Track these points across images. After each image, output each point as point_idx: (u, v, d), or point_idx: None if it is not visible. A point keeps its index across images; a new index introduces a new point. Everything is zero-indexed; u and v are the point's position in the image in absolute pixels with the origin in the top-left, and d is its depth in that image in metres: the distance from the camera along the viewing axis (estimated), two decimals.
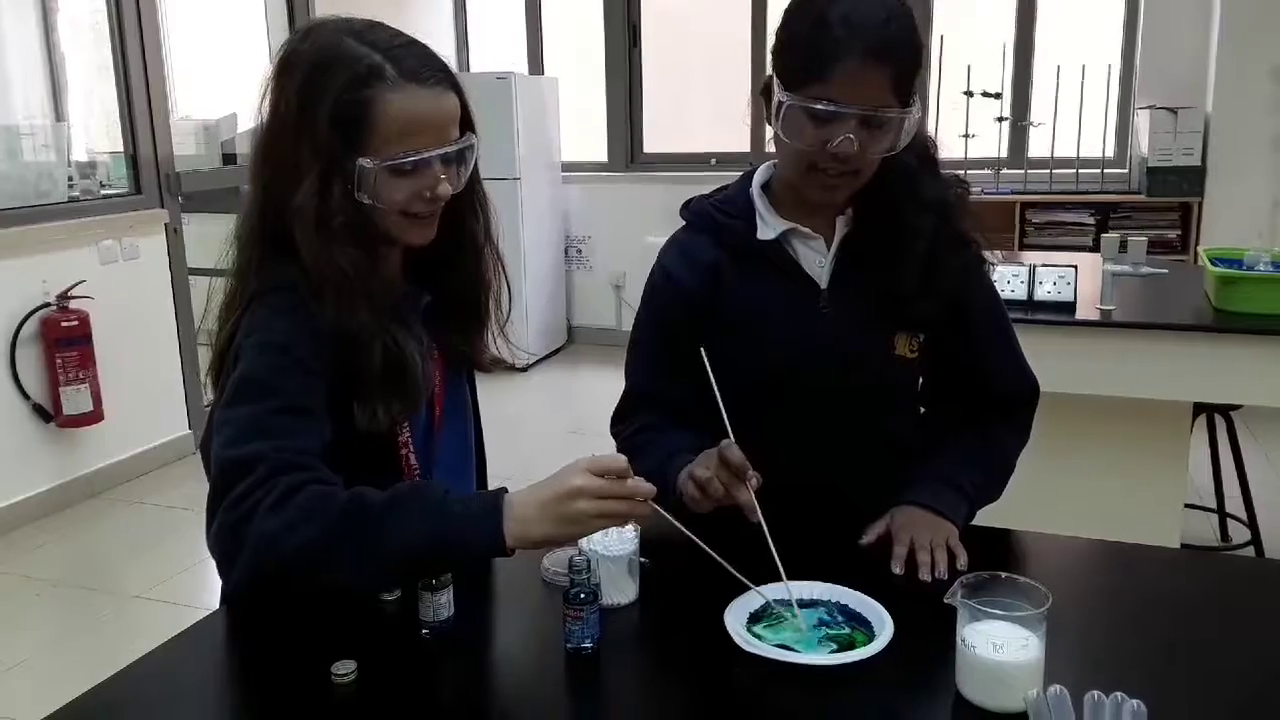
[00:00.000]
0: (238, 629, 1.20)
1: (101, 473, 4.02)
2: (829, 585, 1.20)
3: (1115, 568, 1.40)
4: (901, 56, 1.31)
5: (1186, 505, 2.97)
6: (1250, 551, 3.06)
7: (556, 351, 6.12)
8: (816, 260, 1.46)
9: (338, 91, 1.18)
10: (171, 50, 4.45)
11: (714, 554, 1.17)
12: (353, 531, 1.07)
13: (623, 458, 1.12)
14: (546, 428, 4.78)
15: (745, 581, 1.17)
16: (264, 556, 1.07)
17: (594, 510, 1.07)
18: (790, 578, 1.20)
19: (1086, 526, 1.59)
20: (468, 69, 6.30)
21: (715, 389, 1.26)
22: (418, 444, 1.32)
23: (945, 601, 1.03)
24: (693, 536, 1.18)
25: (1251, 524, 3.09)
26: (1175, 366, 2.52)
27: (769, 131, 1.39)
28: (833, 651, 1.09)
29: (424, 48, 1.25)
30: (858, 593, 1.18)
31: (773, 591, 1.18)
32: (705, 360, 1.26)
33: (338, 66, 1.19)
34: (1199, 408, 2.91)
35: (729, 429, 1.27)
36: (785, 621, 1.14)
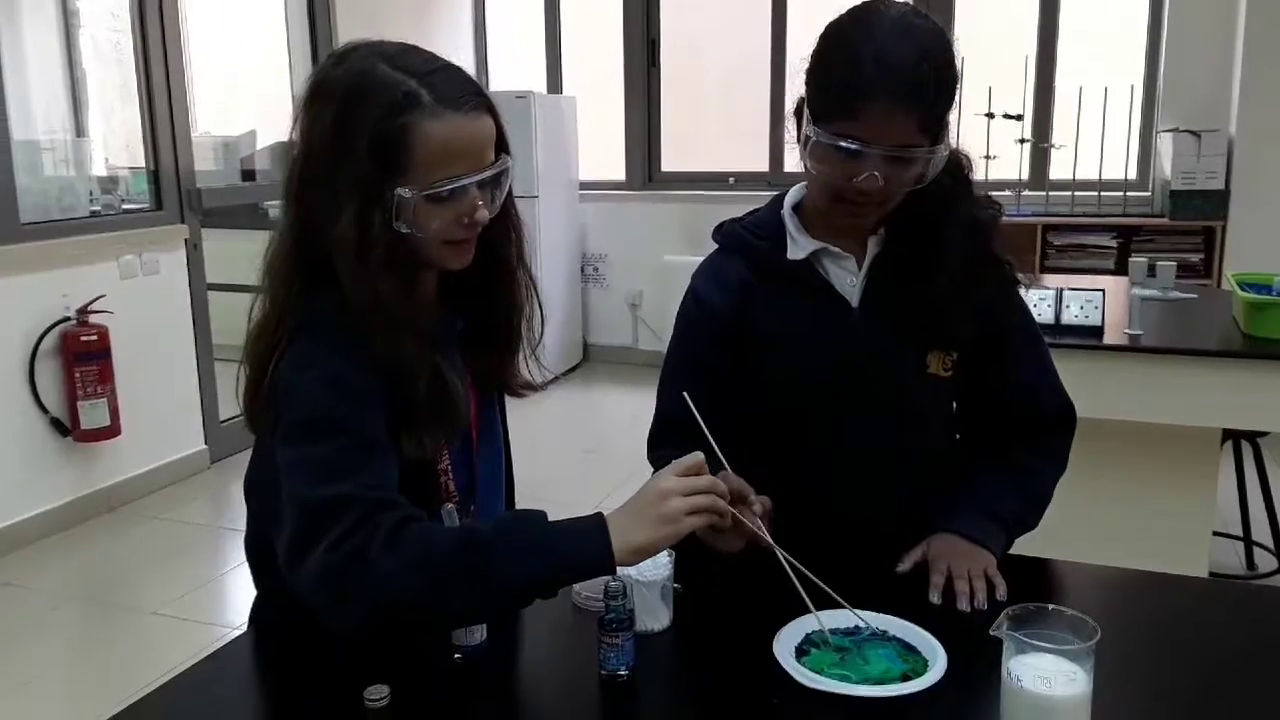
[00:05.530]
0: (269, 652, 1.19)
1: (118, 487, 4.02)
2: (879, 614, 1.18)
3: (1150, 598, 1.37)
4: (932, 97, 1.28)
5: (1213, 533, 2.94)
6: (1277, 580, 3.03)
7: (572, 370, 6.10)
8: (848, 279, 1.45)
9: (374, 120, 1.15)
10: (192, 67, 4.47)
11: (789, 564, 1.16)
12: (472, 568, 1.06)
13: (699, 455, 1.15)
14: (563, 446, 4.76)
15: (809, 605, 1.16)
16: (387, 599, 1.05)
17: (686, 507, 1.10)
18: (825, 607, 1.18)
19: (1113, 553, 1.57)
20: (487, 88, 6.31)
21: (703, 425, 1.23)
22: (455, 469, 1.31)
23: (991, 634, 1.00)
24: (773, 545, 1.19)
25: (1279, 552, 3.05)
26: (1204, 392, 2.49)
27: (789, 150, 1.38)
28: (889, 683, 1.06)
29: (459, 71, 1.23)
30: (907, 622, 1.16)
31: (830, 619, 1.17)
32: (690, 402, 1.24)
33: (373, 94, 1.16)
34: (1225, 434, 2.88)
35: (722, 459, 1.24)
36: (844, 652, 1.13)
